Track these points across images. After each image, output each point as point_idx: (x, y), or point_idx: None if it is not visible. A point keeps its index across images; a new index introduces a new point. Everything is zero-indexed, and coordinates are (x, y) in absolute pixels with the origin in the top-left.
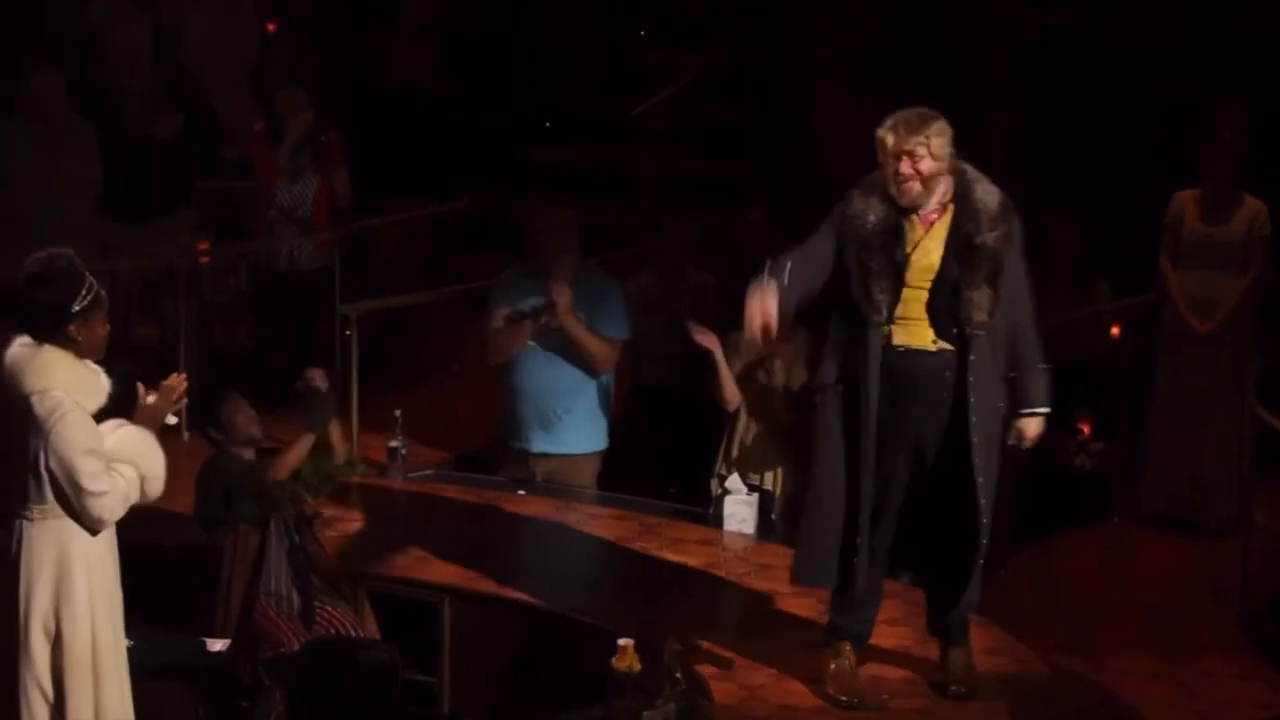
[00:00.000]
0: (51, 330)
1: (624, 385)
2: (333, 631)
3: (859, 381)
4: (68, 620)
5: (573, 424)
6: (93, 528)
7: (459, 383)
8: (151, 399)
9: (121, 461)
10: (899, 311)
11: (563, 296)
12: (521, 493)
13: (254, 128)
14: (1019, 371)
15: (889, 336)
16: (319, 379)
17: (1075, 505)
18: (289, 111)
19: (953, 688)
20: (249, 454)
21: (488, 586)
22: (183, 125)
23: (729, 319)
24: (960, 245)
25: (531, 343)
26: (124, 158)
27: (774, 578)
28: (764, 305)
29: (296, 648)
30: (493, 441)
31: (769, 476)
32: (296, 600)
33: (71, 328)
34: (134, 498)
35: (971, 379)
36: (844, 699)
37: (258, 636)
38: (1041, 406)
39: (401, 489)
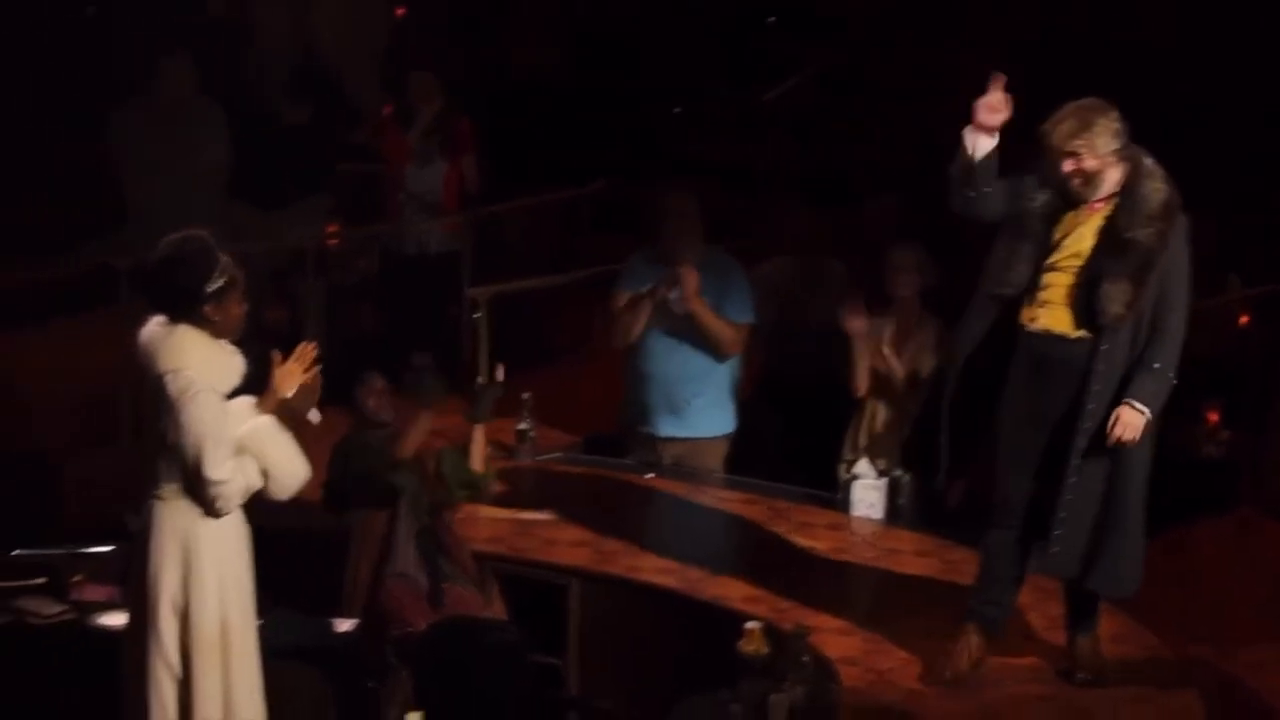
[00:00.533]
0: (186, 310)
1: (754, 370)
2: (459, 612)
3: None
4: (196, 600)
5: (700, 408)
6: (209, 513)
7: (588, 366)
8: (286, 367)
9: (249, 453)
10: (1043, 295)
11: (689, 281)
12: (650, 475)
13: (383, 112)
14: (1134, 364)
15: (1031, 319)
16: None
17: (1203, 494)
18: (419, 97)
19: (1079, 674)
20: (382, 436)
21: (616, 569)
22: (314, 110)
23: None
24: (1112, 238)
25: (658, 328)
26: (256, 142)
27: (902, 562)
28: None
29: (423, 627)
30: (621, 425)
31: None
32: (424, 582)
33: (206, 308)
34: (256, 487)
35: (1099, 368)
36: (946, 675)
37: (385, 616)
38: (1139, 403)
39: (530, 471)
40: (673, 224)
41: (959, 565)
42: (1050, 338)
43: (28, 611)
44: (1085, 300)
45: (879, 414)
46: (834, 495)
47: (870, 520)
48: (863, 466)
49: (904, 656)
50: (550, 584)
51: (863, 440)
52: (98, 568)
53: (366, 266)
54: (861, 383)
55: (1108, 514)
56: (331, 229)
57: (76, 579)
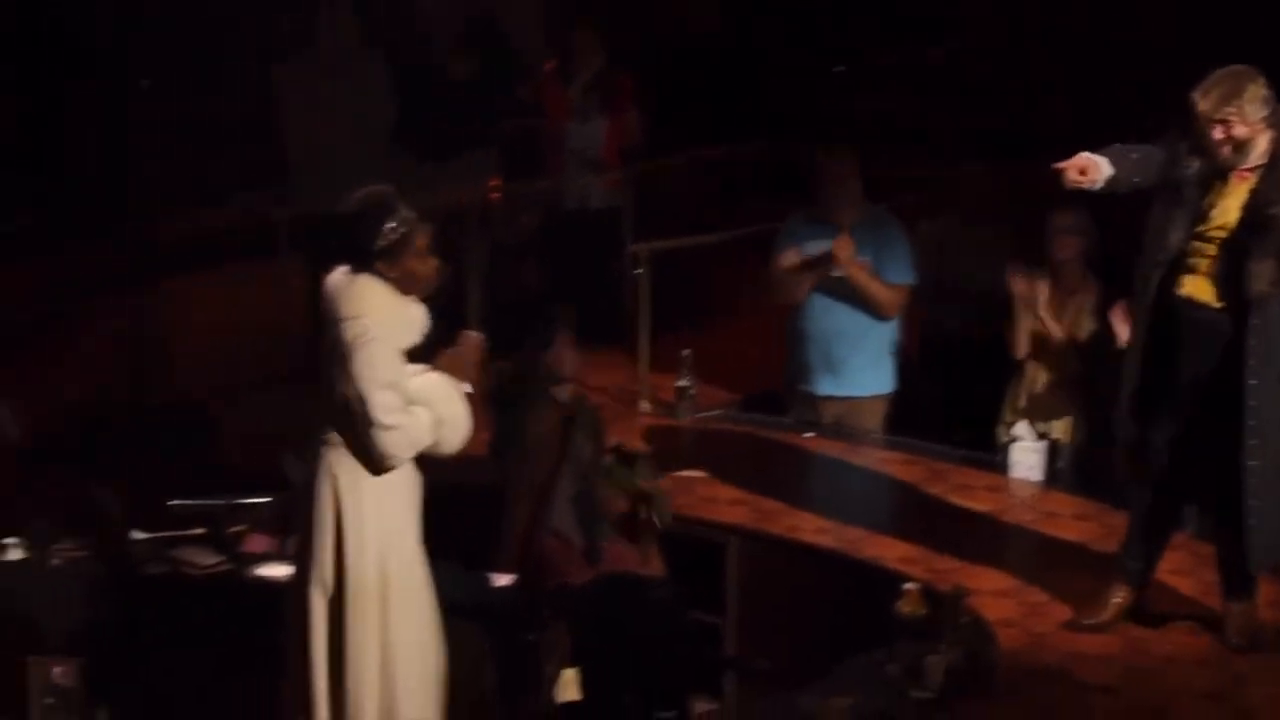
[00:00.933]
0: (360, 263)
1: (916, 329)
2: (619, 569)
3: (1140, 326)
4: (355, 549)
5: (860, 367)
6: (377, 465)
7: (748, 324)
8: (459, 358)
9: (420, 404)
10: (1190, 262)
11: (844, 248)
12: (809, 435)
13: (545, 68)
14: None
15: (1176, 285)
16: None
17: None
18: (580, 53)
19: (1233, 640)
20: (563, 392)
21: (774, 528)
22: (478, 64)
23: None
24: (1255, 211)
25: (818, 287)
26: (419, 95)
27: (1061, 525)
28: (1085, 154)
29: (580, 583)
30: (781, 384)
31: (1057, 425)
32: (579, 541)
33: (379, 264)
34: (425, 443)
35: (1253, 343)
36: (1087, 621)
37: (542, 571)
38: None
39: (689, 429)
40: (831, 182)
41: (1118, 529)
42: (1193, 304)
43: (185, 562)
44: (1230, 273)
45: (1039, 376)
46: (993, 457)
47: (1029, 482)
48: (1022, 429)
49: (1061, 620)
50: (709, 542)
51: (1022, 402)
52: (258, 518)
53: (528, 222)
54: (1021, 344)
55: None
56: (493, 184)
57: (238, 530)
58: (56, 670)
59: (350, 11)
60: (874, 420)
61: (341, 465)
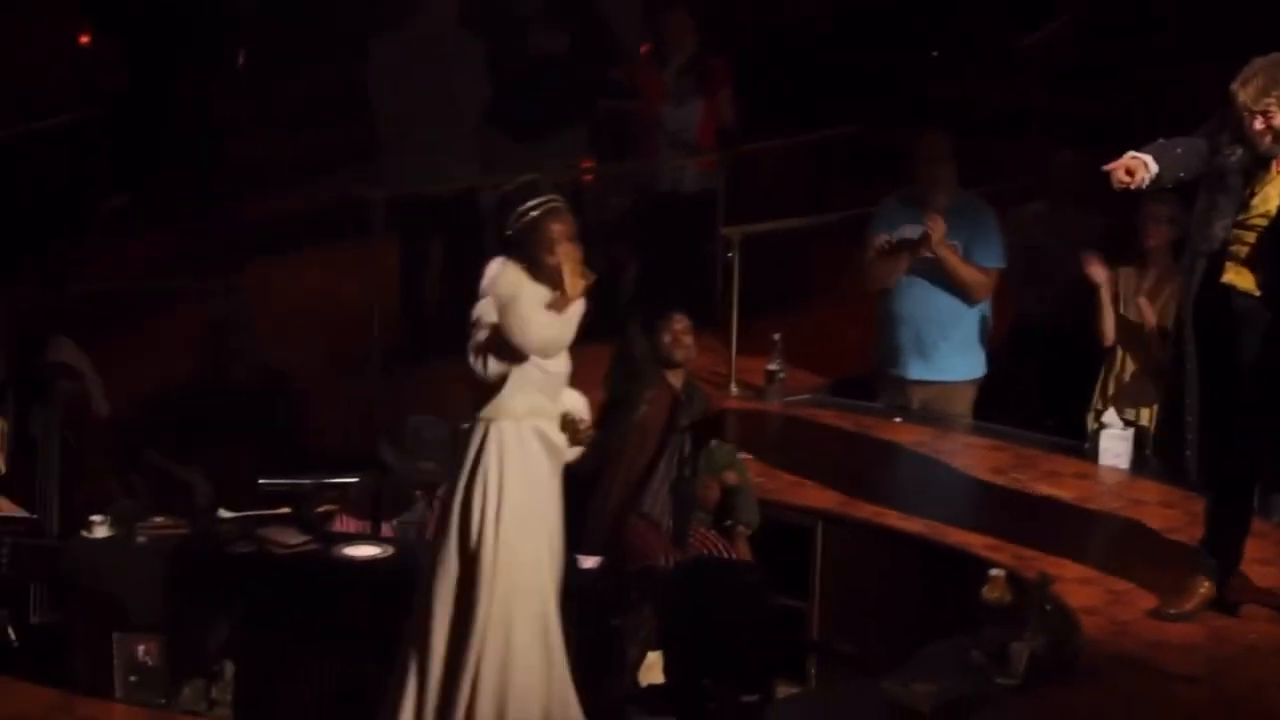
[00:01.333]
0: (502, 249)
1: (1006, 315)
2: (704, 552)
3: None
4: (487, 523)
5: (950, 351)
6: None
7: (839, 308)
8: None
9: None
10: (1233, 250)
11: (936, 229)
12: (898, 420)
13: (641, 51)
14: None
15: (1220, 273)
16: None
17: None
18: (675, 35)
19: None
20: (675, 377)
21: (861, 512)
22: (571, 43)
23: (1113, 259)
24: None
25: (911, 273)
26: (514, 75)
27: (1148, 513)
28: (1132, 154)
29: (666, 566)
30: (871, 368)
31: (1145, 413)
32: (670, 525)
33: (513, 251)
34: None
35: None
36: (1170, 611)
37: (628, 553)
38: None
39: (778, 413)
40: (925, 166)
41: (1203, 517)
42: (1235, 292)
43: (271, 541)
44: (1272, 261)
45: (1128, 364)
46: (1082, 444)
47: (1117, 470)
48: (1110, 416)
49: (1145, 608)
50: (796, 526)
51: (1111, 389)
52: (345, 498)
53: (620, 204)
54: (1108, 331)
55: None
56: (586, 165)
57: (327, 509)
58: (141, 648)
59: None
60: (963, 405)
61: (489, 440)
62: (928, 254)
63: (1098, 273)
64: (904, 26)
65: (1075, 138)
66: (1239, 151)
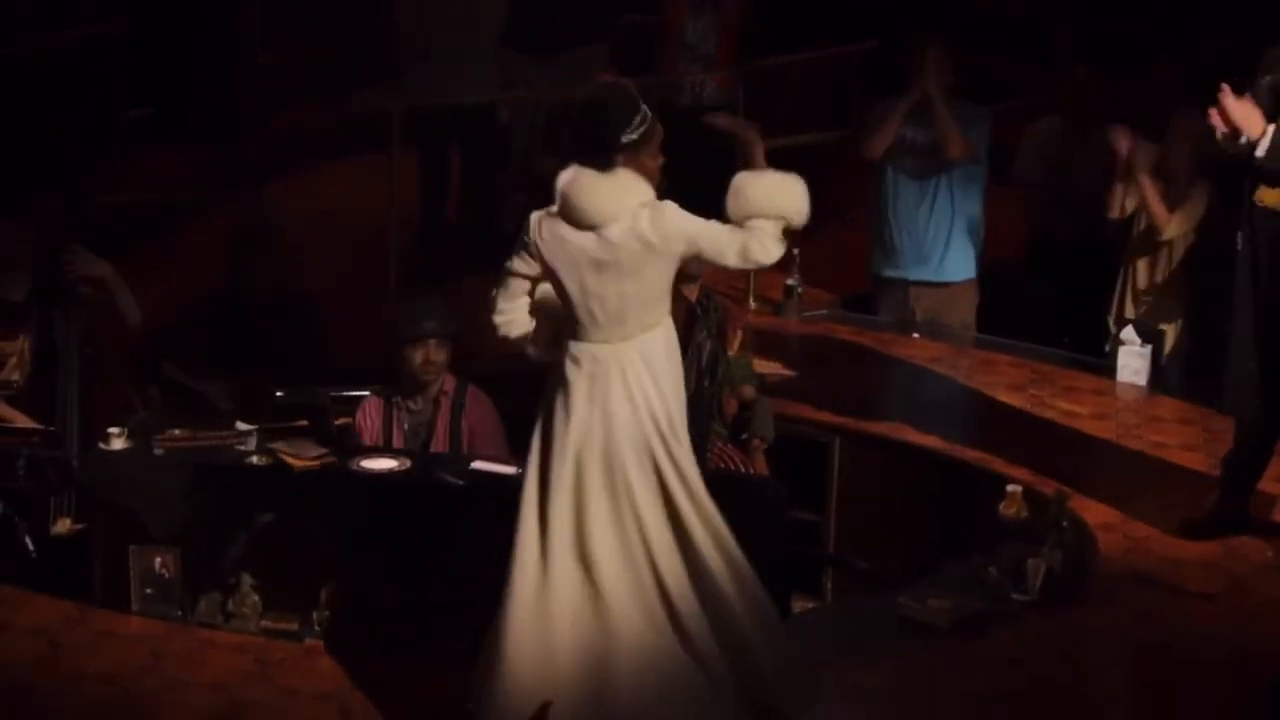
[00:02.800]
0: (600, 159)
1: (1023, 233)
2: (722, 467)
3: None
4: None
5: (948, 252)
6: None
7: (857, 225)
8: None
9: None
10: (1265, 169)
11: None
12: (916, 335)
13: None
14: None
15: (1261, 198)
16: None
17: None
18: None
19: None
20: (690, 289)
21: (878, 428)
22: None
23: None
24: None
25: (902, 171)
26: None
27: (1164, 430)
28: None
29: None
30: (869, 274)
31: (1165, 327)
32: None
33: (619, 158)
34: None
35: None
36: (1187, 526)
37: None
38: None
39: (796, 329)
40: (926, 74)
41: (1221, 434)
42: (1263, 212)
43: (288, 453)
44: None
45: (1145, 274)
46: (1101, 360)
47: (1135, 386)
48: (1129, 333)
49: (1162, 525)
50: (813, 441)
51: (1129, 302)
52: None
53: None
54: (1113, 203)
55: None
56: (605, 80)
57: (344, 422)
58: (158, 560)
59: None
60: (967, 309)
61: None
62: (923, 138)
63: (1123, 142)
64: None
65: (1093, 54)
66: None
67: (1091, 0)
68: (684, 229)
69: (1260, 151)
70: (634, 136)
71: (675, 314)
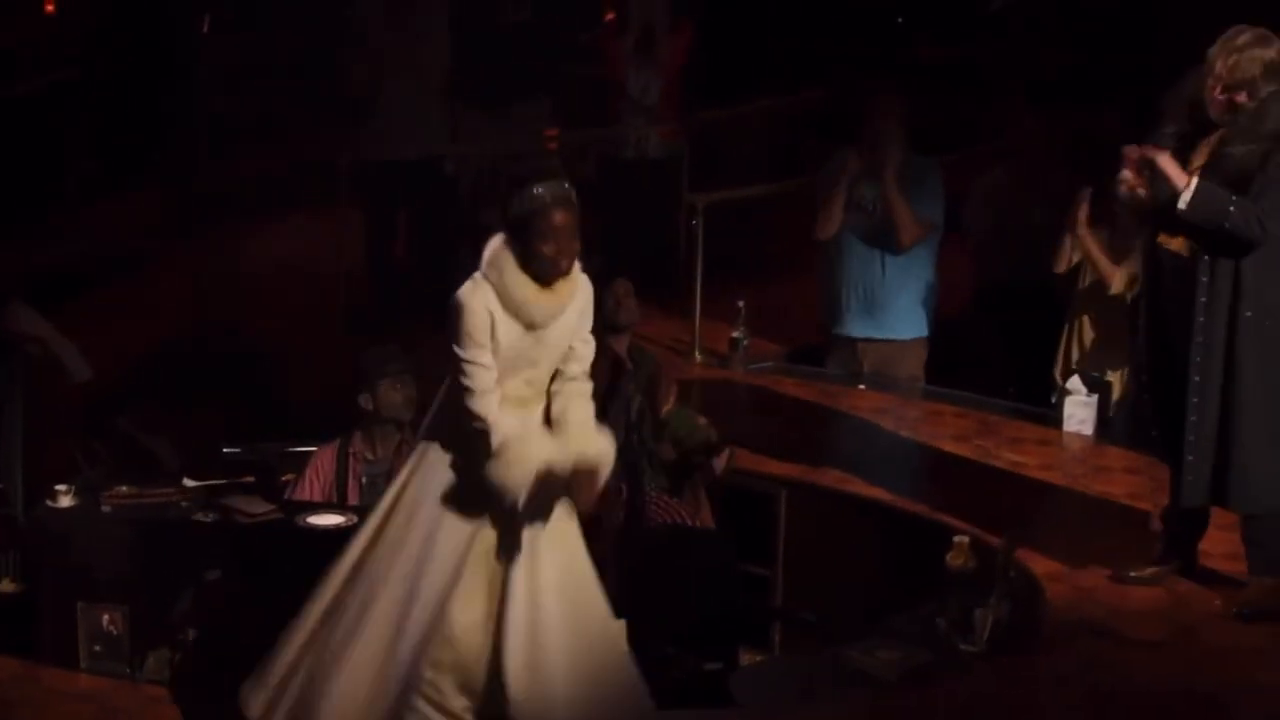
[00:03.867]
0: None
1: (969, 281)
2: (666, 520)
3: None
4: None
5: (896, 310)
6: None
7: (804, 275)
8: None
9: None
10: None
11: (891, 161)
12: (862, 386)
13: (605, 17)
14: None
15: (1165, 242)
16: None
17: None
18: (639, 2)
19: (1237, 609)
20: (619, 342)
21: (825, 479)
22: (536, 11)
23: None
24: (1216, 153)
25: (854, 230)
26: (481, 42)
27: (1111, 480)
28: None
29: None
30: (821, 330)
31: (1110, 372)
32: (624, 488)
33: (509, 233)
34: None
35: (1203, 280)
36: (1133, 575)
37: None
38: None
39: (742, 380)
40: (877, 123)
41: (1167, 483)
42: (1168, 254)
43: (236, 509)
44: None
45: (1091, 326)
46: (1046, 410)
47: (1081, 436)
48: (1074, 383)
49: (1109, 574)
50: (760, 494)
51: (1075, 353)
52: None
53: (585, 171)
54: (1063, 260)
55: (1226, 431)
56: (551, 133)
57: (289, 477)
58: (105, 617)
59: None
60: (915, 363)
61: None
62: (873, 201)
63: (1080, 204)
64: None
65: (1045, 99)
66: (1175, 127)
67: (1038, 44)
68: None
69: (1183, 204)
70: (512, 216)
71: (598, 366)
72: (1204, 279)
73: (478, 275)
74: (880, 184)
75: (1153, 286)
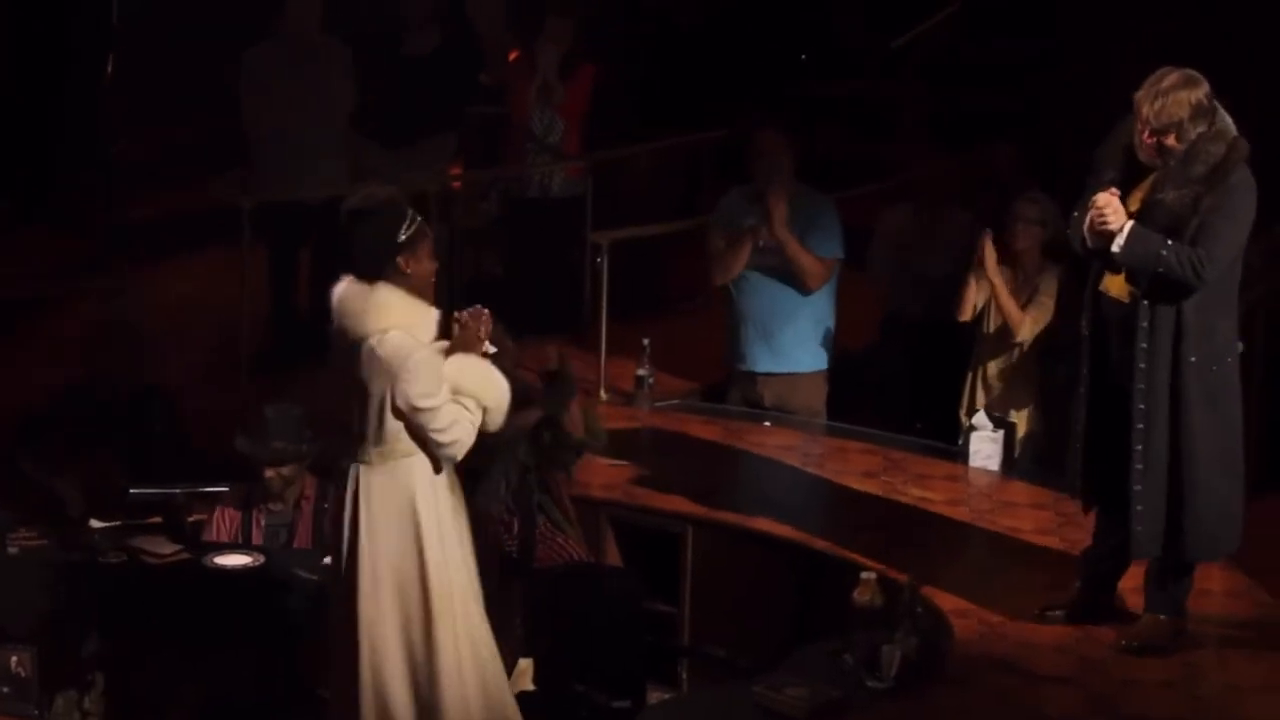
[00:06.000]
0: (379, 266)
1: (871, 314)
2: (561, 559)
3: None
4: (430, 564)
5: (795, 343)
6: (440, 464)
7: (708, 313)
8: (469, 333)
9: (466, 395)
10: (1109, 260)
11: (778, 210)
12: (767, 424)
13: (509, 57)
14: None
15: (1106, 287)
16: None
17: None
18: (547, 40)
19: (1124, 641)
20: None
21: (731, 517)
22: (438, 45)
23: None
24: (1150, 199)
25: (752, 265)
26: (382, 80)
27: (1018, 515)
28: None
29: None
30: (726, 366)
31: (1016, 414)
32: (518, 523)
33: (400, 259)
34: (478, 424)
35: (1143, 325)
36: (1040, 611)
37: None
38: (1130, 229)
39: (647, 419)
40: (764, 161)
41: (1074, 518)
42: (1109, 301)
43: (143, 550)
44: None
45: (997, 364)
46: (952, 446)
47: (987, 472)
48: (980, 419)
49: (1016, 610)
50: (665, 531)
51: (981, 391)
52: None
53: (489, 210)
54: (967, 307)
55: (1176, 479)
56: (455, 171)
57: (198, 518)
58: (13, 659)
59: None
60: (814, 397)
61: (388, 481)
62: (767, 241)
63: (988, 253)
64: (774, 29)
65: (946, 137)
66: (1113, 170)
67: (944, 83)
68: (408, 389)
69: (1117, 247)
70: (409, 235)
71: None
72: (1144, 324)
73: None
74: (770, 227)
75: (1095, 333)
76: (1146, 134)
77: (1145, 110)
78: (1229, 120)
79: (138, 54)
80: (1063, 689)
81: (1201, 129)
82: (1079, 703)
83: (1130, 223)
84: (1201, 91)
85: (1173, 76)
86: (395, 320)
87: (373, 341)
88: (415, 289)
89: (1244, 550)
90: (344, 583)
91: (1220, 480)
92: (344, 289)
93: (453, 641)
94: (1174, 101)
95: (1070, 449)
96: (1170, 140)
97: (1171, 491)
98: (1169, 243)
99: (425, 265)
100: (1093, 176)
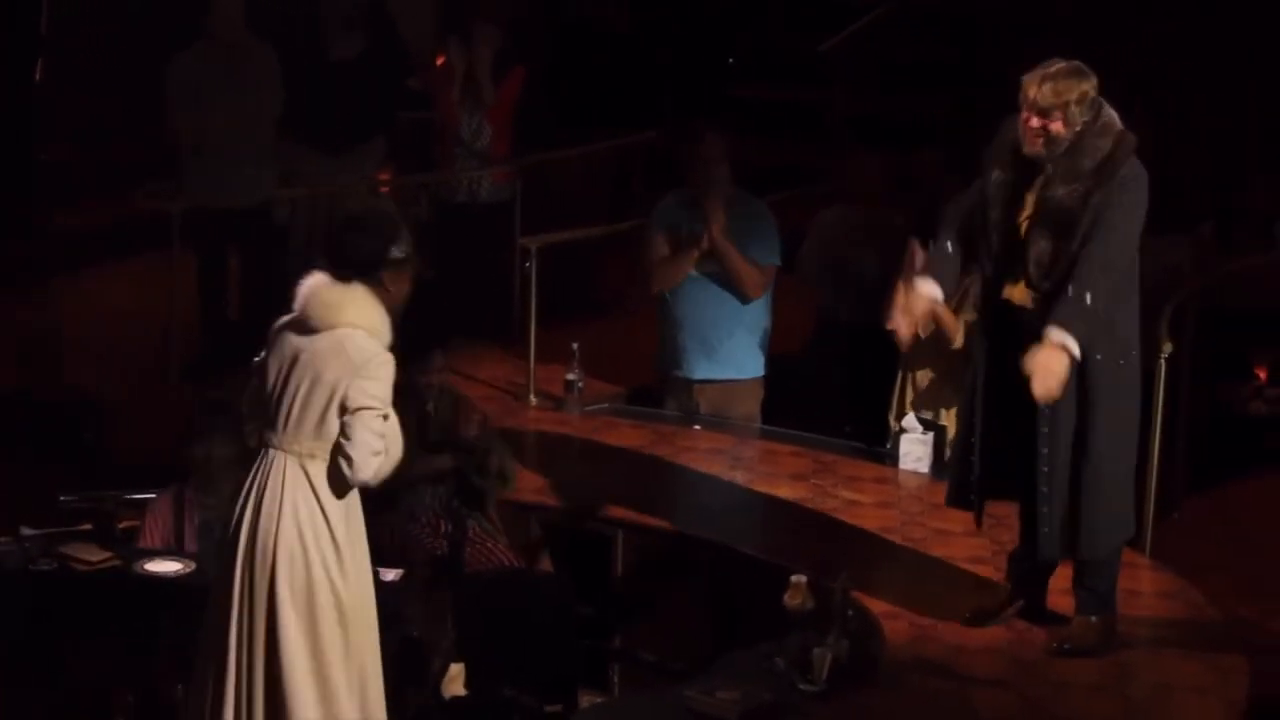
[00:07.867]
0: (364, 271)
1: (802, 319)
2: (492, 564)
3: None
4: (348, 567)
5: (733, 350)
6: (348, 484)
7: (637, 316)
8: None
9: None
10: (1007, 265)
11: (716, 218)
12: (697, 427)
13: (437, 61)
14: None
15: (1000, 291)
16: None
17: (1252, 451)
18: (477, 44)
19: (1059, 644)
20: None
21: (661, 521)
22: (364, 49)
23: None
24: (1042, 199)
25: (691, 272)
26: (310, 85)
27: (948, 517)
28: (909, 309)
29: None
30: (656, 371)
31: (944, 414)
32: (445, 523)
33: (385, 274)
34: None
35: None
36: (972, 613)
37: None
38: (1055, 331)
39: (577, 423)
40: (701, 166)
41: (1004, 520)
42: (1010, 307)
43: (72, 558)
44: (1038, 269)
45: (926, 367)
46: (883, 449)
47: (917, 474)
48: (910, 421)
49: (947, 613)
50: (596, 535)
51: (911, 393)
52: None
53: (417, 214)
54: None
55: (1078, 477)
56: (383, 176)
57: (127, 525)
58: None
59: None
60: (750, 403)
61: (304, 478)
62: (706, 248)
63: (917, 264)
64: (702, 32)
65: (876, 140)
66: (998, 171)
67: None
68: (368, 388)
69: (1076, 351)
70: (398, 255)
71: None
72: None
73: None
74: (709, 235)
75: (993, 339)
76: (1032, 118)
77: (1032, 92)
78: (1114, 114)
79: (66, 60)
80: (995, 691)
81: (1087, 119)
82: (1011, 705)
83: (1053, 331)
84: (1089, 84)
85: (1061, 64)
86: (369, 322)
87: (342, 334)
88: (388, 303)
89: (1175, 550)
90: (235, 568)
91: (1123, 474)
92: (317, 281)
93: (342, 642)
94: (1062, 85)
95: (954, 459)
96: (1056, 125)
97: (1072, 492)
98: (1071, 295)
99: (403, 288)
100: (980, 177)
